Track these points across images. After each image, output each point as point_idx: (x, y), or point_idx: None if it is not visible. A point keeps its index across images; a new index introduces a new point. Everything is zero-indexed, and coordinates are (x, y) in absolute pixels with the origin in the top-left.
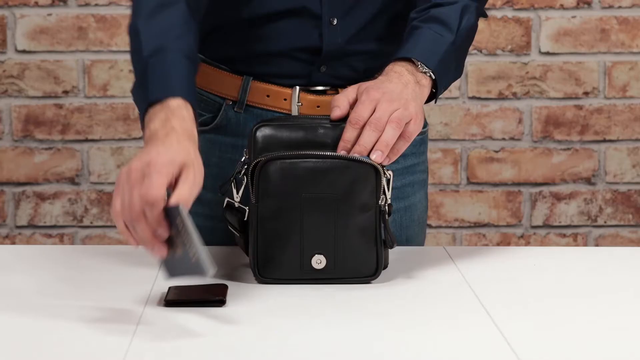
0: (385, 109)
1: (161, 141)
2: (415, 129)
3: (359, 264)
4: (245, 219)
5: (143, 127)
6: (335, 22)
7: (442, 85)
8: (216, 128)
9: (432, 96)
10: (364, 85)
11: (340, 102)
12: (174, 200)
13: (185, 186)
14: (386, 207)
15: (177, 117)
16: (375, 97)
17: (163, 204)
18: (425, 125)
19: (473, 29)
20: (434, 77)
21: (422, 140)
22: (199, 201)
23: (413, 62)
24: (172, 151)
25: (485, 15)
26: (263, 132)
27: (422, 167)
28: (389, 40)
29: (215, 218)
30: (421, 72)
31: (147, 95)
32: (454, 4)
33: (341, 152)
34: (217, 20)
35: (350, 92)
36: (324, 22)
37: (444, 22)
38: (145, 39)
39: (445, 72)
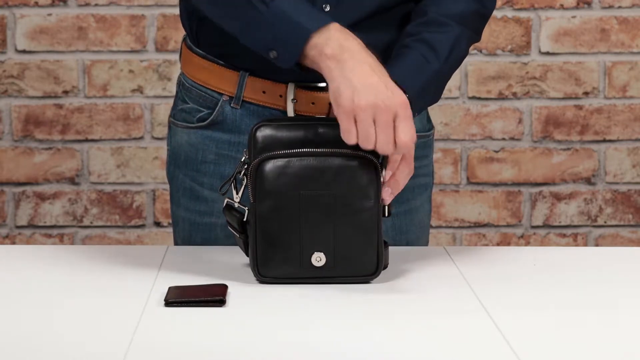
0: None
1: (377, 71)
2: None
3: (359, 263)
4: (245, 219)
5: (297, 56)
6: (327, 8)
7: (415, 110)
8: (213, 124)
9: None
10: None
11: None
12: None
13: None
14: (387, 206)
15: (353, 39)
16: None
17: None
18: (430, 128)
19: (462, 58)
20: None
21: (424, 143)
22: (197, 198)
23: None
24: (397, 94)
25: (477, 40)
26: (263, 132)
27: (424, 171)
28: (386, 36)
29: (213, 215)
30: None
31: (305, 27)
32: (449, 28)
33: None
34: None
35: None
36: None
37: (434, 49)
38: None
39: (421, 98)
